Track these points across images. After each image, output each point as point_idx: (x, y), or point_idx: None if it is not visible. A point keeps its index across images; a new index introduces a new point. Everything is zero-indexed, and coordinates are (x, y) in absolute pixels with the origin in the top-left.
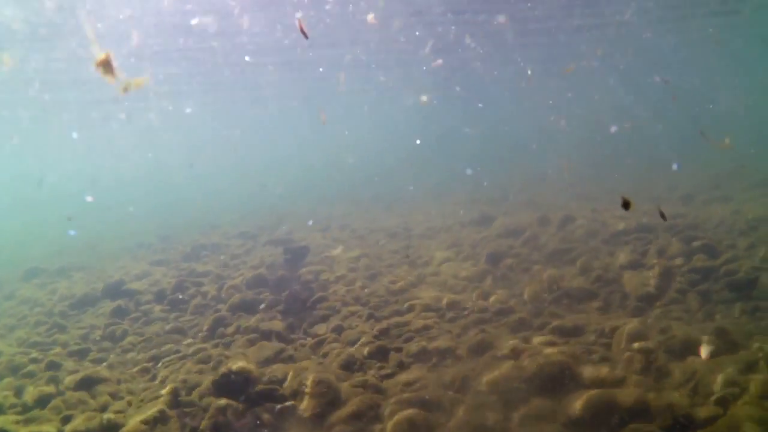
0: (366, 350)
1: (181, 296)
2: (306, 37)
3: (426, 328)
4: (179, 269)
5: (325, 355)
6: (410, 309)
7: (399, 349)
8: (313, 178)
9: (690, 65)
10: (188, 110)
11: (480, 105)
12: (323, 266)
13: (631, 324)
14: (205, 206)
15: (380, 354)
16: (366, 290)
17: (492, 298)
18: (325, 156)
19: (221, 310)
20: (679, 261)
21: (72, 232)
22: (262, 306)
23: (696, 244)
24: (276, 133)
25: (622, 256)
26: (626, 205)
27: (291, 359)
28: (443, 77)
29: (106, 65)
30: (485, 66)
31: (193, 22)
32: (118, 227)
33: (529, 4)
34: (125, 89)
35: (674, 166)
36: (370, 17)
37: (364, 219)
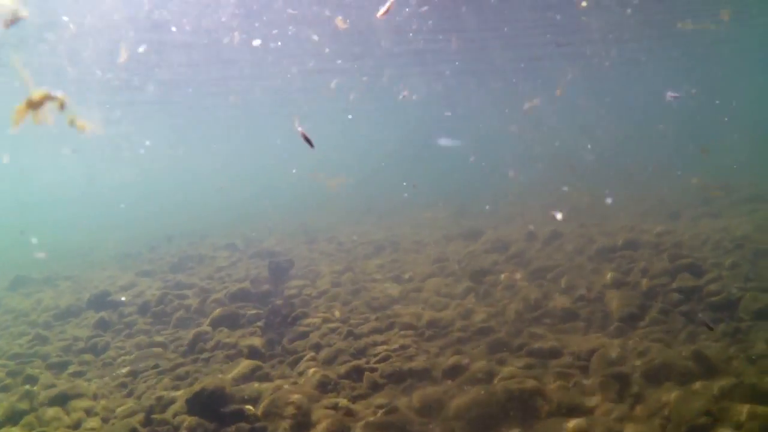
0: (341, 370)
1: (164, 309)
2: (311, 146)
3: (404, 347)
4: (165, 281)
5: (301, 374)
6: (390, 327)
7: (374, 370)
8: (306, 186)
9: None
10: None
11: (448, 113)
12: (307, 280)
13: (609, 347)
14: (196, 215)
15: (355, 374)
16: (347, 306)
17: (473, 317)
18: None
19: (203, 324)
20: (663, 280)
21: (41, 254)
22: (244, 321)
23: (680, 262)
24: (266, 142)
25: (606, 275)
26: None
27: (267, 377)
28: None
29: (38, 105)
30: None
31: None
32: (111, 234)
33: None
34: (70, 123)
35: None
36: (339, 21)
37: (353, 231)
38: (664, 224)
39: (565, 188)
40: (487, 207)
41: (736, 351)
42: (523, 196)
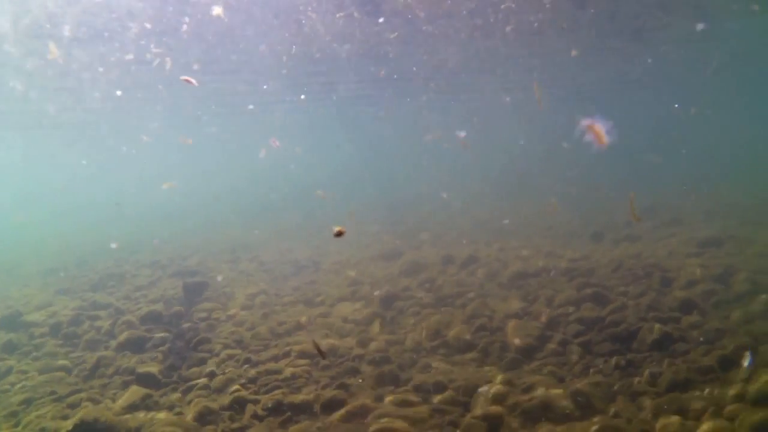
0: (226, 400)
1: (75, 330)
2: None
3: (294, 377)
4: (82, 300)
5: (189, 403)
6: (286, 354)
7: (257, 401)
8: (246, 199)
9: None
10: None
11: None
12: (218, 303)
13: (496, 382)
14: (135, 227)
15: (238, 405)
16: (251, 332)
17: (372, 345)
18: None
19: (110, 347)
20: (567, 309)
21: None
22: (149, 345)
23: (587, 291)
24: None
25: (512, 303)
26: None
27: (156, 406)
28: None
29: None
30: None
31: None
32: (44, 246)
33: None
34: None
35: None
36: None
37: (278, 249)
38: (584, 247)
39: (496, 209)
40: (419, 225)
41: (621, 386)
42: (454, 216)
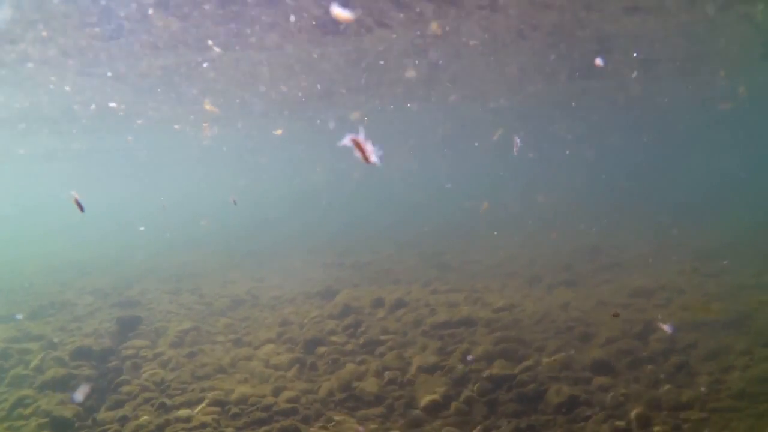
0: None
1: (3, 364)
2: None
3: (203, 425)
4: (17, 330)
5: None
6: (200, 400)
7: None
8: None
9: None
10: None
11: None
12: (149, 340)
13: None
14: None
15: None
16: (174, 373)
17: (284, 394)
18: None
19: (35, 384)
20: (480, 365)
21: None
22: (74, 383)
23: (504, 345)
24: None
25: (426, 356)
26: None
27: None
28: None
29: None
30: None
31: None
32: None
33: None
34: None
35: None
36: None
37: (222, 280)
38: (517, 293)
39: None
40: (364, 259)
41: None
42: (404, 248)
